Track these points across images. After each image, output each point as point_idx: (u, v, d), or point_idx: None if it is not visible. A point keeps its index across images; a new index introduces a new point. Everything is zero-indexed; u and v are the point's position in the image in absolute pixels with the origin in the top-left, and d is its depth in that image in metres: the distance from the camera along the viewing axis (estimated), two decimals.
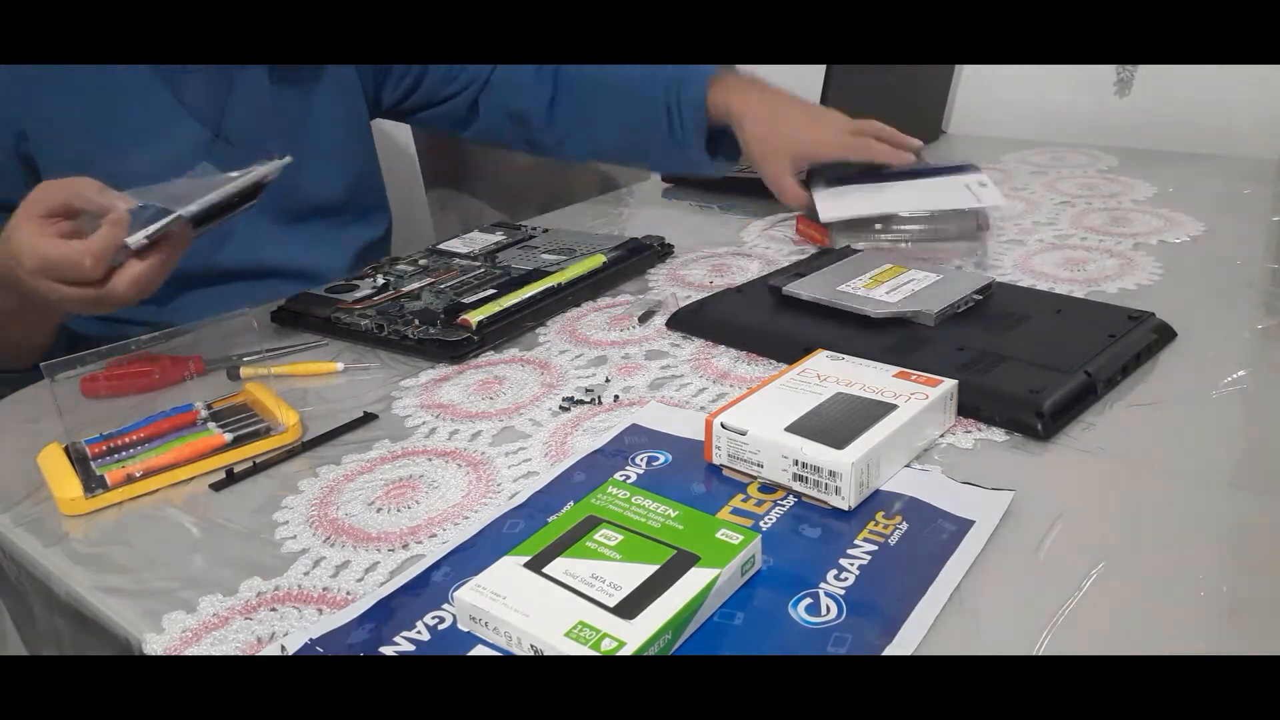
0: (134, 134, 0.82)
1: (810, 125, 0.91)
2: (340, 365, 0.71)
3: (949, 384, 0.56)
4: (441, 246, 0.93)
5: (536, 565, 0.44)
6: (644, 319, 0.76)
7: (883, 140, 0.89)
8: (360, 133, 0.98)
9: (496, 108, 1.02)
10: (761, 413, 0.54)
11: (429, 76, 1.01)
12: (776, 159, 0.90)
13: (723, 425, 0.53)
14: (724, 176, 1.16)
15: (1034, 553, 0.46)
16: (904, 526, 0.48)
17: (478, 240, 0.94)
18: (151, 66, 0.81)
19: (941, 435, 0.57)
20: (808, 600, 0.43)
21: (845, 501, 0.49)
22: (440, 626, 0.43)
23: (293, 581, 0.47)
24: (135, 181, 0.81)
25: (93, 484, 0.55)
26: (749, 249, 0.94)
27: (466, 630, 0.43)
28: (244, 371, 0.71)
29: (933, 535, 0.47)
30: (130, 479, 0.56)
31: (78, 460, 0.58)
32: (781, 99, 0.93)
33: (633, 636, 0.39)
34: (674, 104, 0.94)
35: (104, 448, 0.59)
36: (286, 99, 0.89)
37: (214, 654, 0.43)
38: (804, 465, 0.50)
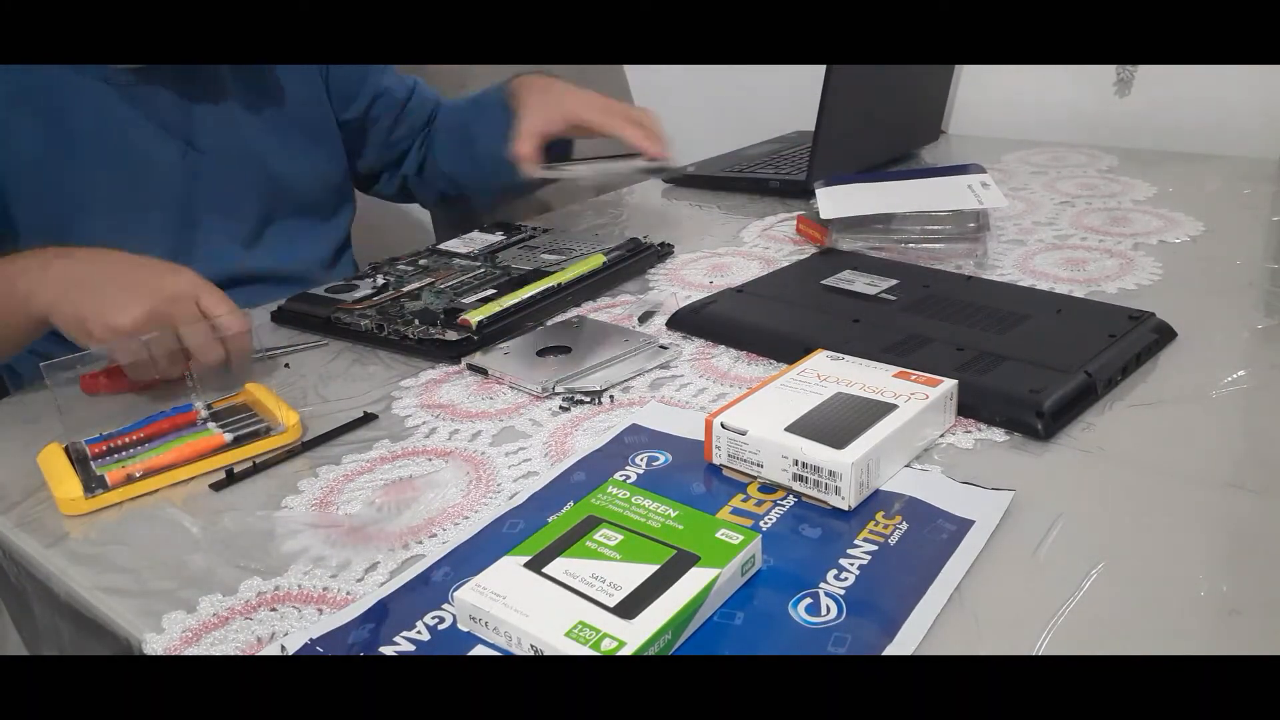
0: (100, 154, 0.80)
1: (573, 92, 0.92)
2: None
3: (949, 384, 0.56)
4: (441, 246, 0.93)
5: (536, 565, 0.44)
6: (644, 319, 0.76)
7: (644, 128, 0.88)
8: (330, 135, 0.97)
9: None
10: (761, 413, 0.54)
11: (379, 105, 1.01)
12: (534, 114, 0.90)
13: (723, 425, 0.53)
14: (724, 176, 1.17)
15: (1034, 553, 0.46)
16: (904, 526, 0.48)
17: (478, 240, 0.94)
18: (104, 81, 0.79)
19: (941, 435, 0.57)
20: (808, 600, 0.43)
21: (845, 501, 0.49)
22: (440, 626, 0.43)
23: (293, 581, 0.47)
24: (110, 203, 0.80)
25: (93, 484, 0.55)
26: (749, 249, 0.94)
27: (466, 630, 0.43)
28: None
29: (933, 535, 0.47)
30: (130, 479, 0.56)
31: (78, 460, 0.58)
32: (558, 80, 0.94)
33: (633, 636, 0.39)
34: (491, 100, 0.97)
35: (104, 448, 0.59)
36: (253, 102, 0.88)
37: (214, 654, 0.43)
38: (804, 465, 0.50)
